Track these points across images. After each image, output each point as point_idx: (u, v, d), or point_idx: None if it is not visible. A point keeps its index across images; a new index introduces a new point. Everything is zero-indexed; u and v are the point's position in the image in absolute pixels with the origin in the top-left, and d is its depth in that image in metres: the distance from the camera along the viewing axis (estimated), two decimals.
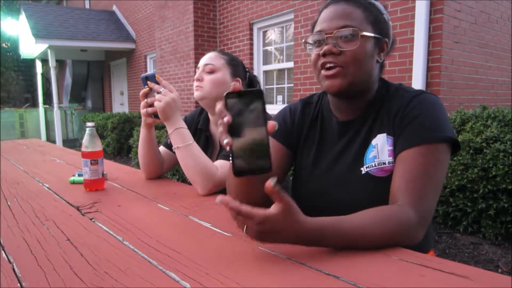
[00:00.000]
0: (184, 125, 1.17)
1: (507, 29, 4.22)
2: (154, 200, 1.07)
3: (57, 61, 8.85)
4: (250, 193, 0.79)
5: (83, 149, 1.17)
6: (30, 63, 16.80)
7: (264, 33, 5.44)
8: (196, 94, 1.32)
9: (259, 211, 0.60)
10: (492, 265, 2.22)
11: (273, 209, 0.60)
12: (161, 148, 1.39)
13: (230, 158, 0.64)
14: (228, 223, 0.85)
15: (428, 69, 3.39)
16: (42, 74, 10.89)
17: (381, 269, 0.60)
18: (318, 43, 0.85)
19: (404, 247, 0.68)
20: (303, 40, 0.90)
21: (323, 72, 0.84)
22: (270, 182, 0.58)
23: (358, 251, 0.65)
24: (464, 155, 2.46)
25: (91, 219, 0.91)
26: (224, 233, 0.79)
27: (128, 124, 7.01)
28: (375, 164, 0.85)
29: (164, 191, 1.19)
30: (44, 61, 10.26)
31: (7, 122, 10.92)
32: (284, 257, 0.65)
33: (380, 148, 0.85)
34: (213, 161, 1.20)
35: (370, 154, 0.86)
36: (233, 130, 0.63)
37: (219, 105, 0.63)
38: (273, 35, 5.37)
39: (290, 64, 4.94)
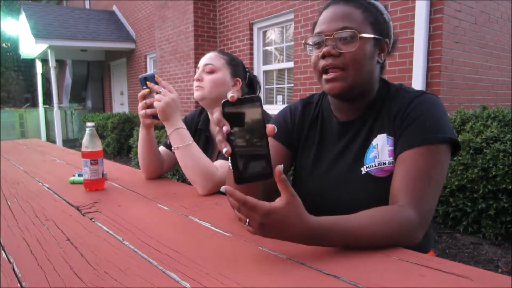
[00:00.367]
0: (183, 125, 1.17)
1: (507, 29, 4.22)
2: (154, 200, 1.07)
3: (57, 61, 8.85)
4: (250, 194, 0.79)
5: (83, 149, 1.17)
6: (30, 63, 16.80)
7: (264, 33, 5.44)
8: (196, 94, 1.32)
9: (265, 203, 0.60)
10: (492, 265, 2.21)
11: (278, 202, 0.61)
12: (161, 148, 1.39)
13: (230, 166, 0.64)
14: (228, 223, 0.85)
15: (428, 69, 3.39)
16: (42, 74, 10.89)
17: (381, 269, 0.60)
18: (318, 45, 0.85)
19: (404, 247, 0.68)
20: (303, 41, 0.90)
21: (323, 75, 0.84)
22: (279, 168, 0.59)
23: (358, 251, 0.65)
24: (464, 155, 2.46)
25: (91, 219, 0.91)
26: (224, 233, 0.79)
27: (128, 124, 7.02)
28: (375, 164, 0.85)
29: (164, 191, 1.19)
30: (44, 61, 10.26)
31: (7, 122, 10.91)
32: (284, 257, 0.65)
33: (380, 149, 0.85)
34: (213, 161, 1.20)
35: (370, 154, 0.86)
36: (232, 138, 0.63)
37: (216, 113, 0.63)
38: (273, 35, 5.37)
39: (290, 64, 4.94)
